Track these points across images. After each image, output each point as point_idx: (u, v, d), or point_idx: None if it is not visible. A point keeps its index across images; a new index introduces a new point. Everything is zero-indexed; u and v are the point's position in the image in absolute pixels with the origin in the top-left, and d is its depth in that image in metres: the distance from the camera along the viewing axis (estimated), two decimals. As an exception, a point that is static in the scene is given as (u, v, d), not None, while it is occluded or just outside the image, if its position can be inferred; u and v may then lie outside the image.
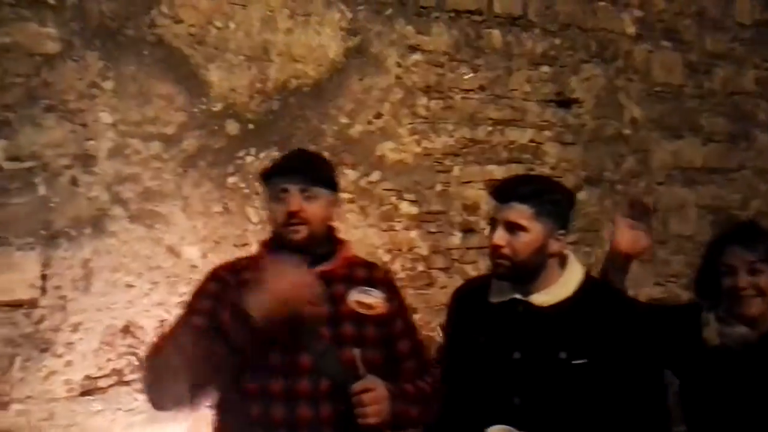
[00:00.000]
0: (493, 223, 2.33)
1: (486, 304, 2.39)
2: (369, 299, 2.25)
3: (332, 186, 2.32)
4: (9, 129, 2.92)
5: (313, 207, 2.23)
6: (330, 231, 2.35)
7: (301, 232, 2.21)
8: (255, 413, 2.11)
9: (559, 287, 2.33)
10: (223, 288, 2.24)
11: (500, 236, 2.28)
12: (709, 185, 5.24)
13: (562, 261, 2.37)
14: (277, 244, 2.30)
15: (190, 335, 2.09)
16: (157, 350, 2.15)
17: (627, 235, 2.56)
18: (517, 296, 2.33)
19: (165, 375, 2.07)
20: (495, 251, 2.30)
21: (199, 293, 2.29)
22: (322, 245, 2.29)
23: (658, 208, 4.95)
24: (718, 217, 5.22)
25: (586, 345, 2.22)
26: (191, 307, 2.26)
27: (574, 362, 2.21)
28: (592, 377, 2.21)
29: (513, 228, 2.27)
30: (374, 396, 2.09)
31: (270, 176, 2.30)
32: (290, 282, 2.03)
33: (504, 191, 2.34)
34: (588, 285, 2.36)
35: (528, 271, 2.31)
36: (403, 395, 2.19)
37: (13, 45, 2.94)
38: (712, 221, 5.19)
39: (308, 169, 2.30)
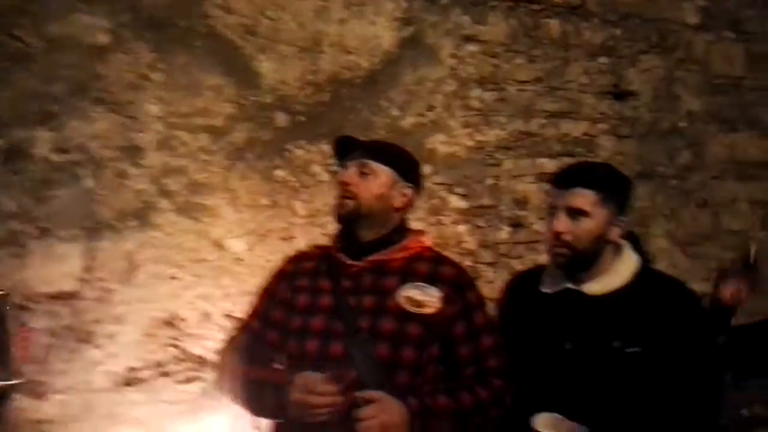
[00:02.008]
0: (554, 210, 2.16)
1: (538, 295, 2.25)
2: (420, 296, 2.05)
3: (402, 171, 2.16)
4: (56, 121, 2.74)
5: (367, 183, 2.11)
6: (398, 220, 2.18)
7: (347, 206, 2.09)
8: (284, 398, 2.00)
9: (612, 276, 2.17)
10: (280, 281, 2.20)
11: (563, 222, 2.12)
12: (763, 180, 4.85)
13: (617, 250, 2.22)
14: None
15: (246, 342, 2.18)
16: (224, 352, 2.21)
17: (730, 291, 2.50)
18: (570, 286, 2.19)
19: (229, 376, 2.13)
20: (556, 238, 2.14)
21: (262, 289, 2.25)
22: (377, 229, 2.13)
23: (710, 203, 4.62)
24: (771, 213, 4.84)
25: (640, 334, 2.08)
26: (253, 306, 2.25)
27: (627, 351, 2.07)
28: (645, 366, 2.07)
29: (576, 214, 2.12)
30: (377, 423, 1.88)
31: (342, 157, 2.21)
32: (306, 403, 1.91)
33: (567, 177, 2.18)
34: (643, 274, 2.20)
35: (587, 258, 2.16)
36: (429, 411, 1.96)
37: (63, 36, 2.75)
38: (763, 217, 4.81)
39: (369, 146, 2.20)
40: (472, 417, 2.02)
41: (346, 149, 2.19)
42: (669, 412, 2.06)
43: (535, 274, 2.34)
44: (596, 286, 2.16)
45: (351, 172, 2.12)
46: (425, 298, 2.05)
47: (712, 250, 4.60)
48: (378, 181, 2.11)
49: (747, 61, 4.76)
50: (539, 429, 1.97)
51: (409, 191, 2.16)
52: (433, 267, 2.13)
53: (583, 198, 2.12)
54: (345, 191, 2.11)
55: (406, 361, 2.00)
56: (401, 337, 2.01)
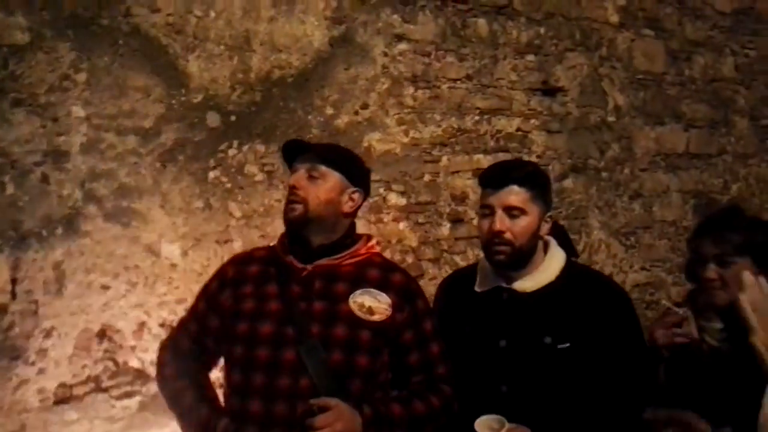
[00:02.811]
0: (488, 209, 2.14)
1: (472, 294, 2.23)
2: (372, 303, 2.00)
3: (351, 176, 2.10)
4: None
5: (315, 187, 2.04)
6: (347, 225, 2.12)
7: (296, 210, 2.02)
8: (235, 406, 1.95)
9: (542, 273, 2.17)
10: (221, 287, 2.09)
11: (501, 221, 2.10)
12: (690, 170, 4.98)
13: (545, 246, 2.23)
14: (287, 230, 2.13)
15: (186, 345, 2.12)
16: (164, 352, 2.15)
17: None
18: (502, 284, 2.17)
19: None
20: (496, 236, 2.11)
21: (202, 291, 2.17)
22: (327, 233, 2.06)
23: (642, 194, 4.69)
24: (700, 201, 4.96)
25: (569, 329, 2.09)
26: (193, 308, 2.18)
27: (559, 347, 2.07)
28: (576, 361, 2.07)
29: (513, 212, 2.11)
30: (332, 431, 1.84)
31: (291, 160, 2.13)
32: None
33: (500, 176, 2.16)
34: (570, 270, 2.21)
35: (525, 255, 2.15)
36: (383, 419, 1.93)
37: None
38: (695, 206, 4.93)
39: (319, 149, 2.14)
40: (425, 424, 2.00)
41: (295, 152, 2.12)
42: (601, 405, 2.05)
43: (468, 273, 2.32)
44: (528, 283, 2.15)
45: (299, 176, 2.06)
46: (376, 305, 2.00)
47: (646, 240, 4.69)
48: (327, 186, 2.05)
49: (667, 58, 4.87)
50: (479, 431, 1.93)
51: (357, 196, 2.11)
52: (383, 274, 2.08)
53: (518, 196, 2.11)
54: (293, 195, 2.04)
55: (359, 368, 1.95)
56: (354, 343, 1.96)
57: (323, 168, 2.05)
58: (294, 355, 1.91)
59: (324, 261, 2.04)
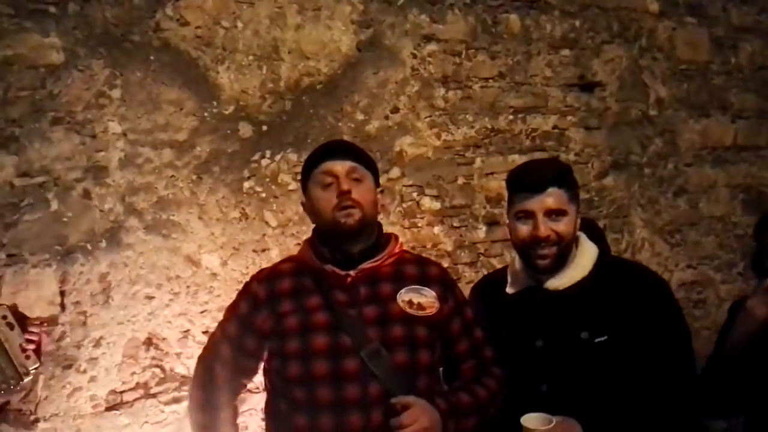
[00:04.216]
0: (527, 214, 2.26)
1: (504, 297, 2.38)
2: (420, 299, 2.17)
3: (376, 176, 2.27)
4: (17, 144, 2.86)
5: (361, 189, 2.16)
6: (377, 225, 2.27)
7: (355, 215, 2.13)
8: (302, 423, 2.06)
9: (574, 269, 2.30)
10: (253, 307, 2.22)
11: (545, 226, 2.23)
12: (739, 164, 5.10)
13: (576, 242, 2.35)
14: (322, 238, 2.21)
15: (219, 370, 2.26)
16: (196, 376, 2.32)
17: None
18: (533, 284, 2.32)
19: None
20: (543, 241, 2.24)
21: (232, 313, 2.29)
22: (368, 236, 2.21)
23: (687, 190, 4.86)
24: (750, 195, 5.10)
25: (606, 322, 2.20)
26: (223, 329, 2.29)
27: (596, 341, 2.19)
28: (615, 353, 2.18)
29: (555, 214, 2.24)
30: (421, 427, 1.99)
31: (312, 166, 2.22)
32: None
33: (537, 179, 2.27)
34: (603, 263, 2.34)
35: (568, 254, 2.29)
36: (457, 410, 2.10)
37: (16, 57, 2.86)
38: (744, 200, 5.08)
39: (353, 149, 2.27)
40: (488, 408, 2.19)
41: (314, 166, 2.22)
42: (645, 396, 2.16)
43: (498, 276, 2.48)
44: (560, 281, 2.29)
45: (347, 180, 2.15)
46: (424, 300, 2.17)
47: (693, 237, 4.84)
48: (368, 187, 2.20)
49: (711, 46, 5.01)
50: (527, 426, 2.04)
51: (380, 196, 2.28)
52: (420, 268, 2.25)
53: (559, 198, 2.25)
54: (347, 200, 2.13)
55: (423, 365, 2.12)
56: (413, 341, 2.11)
57: (362, 169, 2.19)
58: (357, 363, 2.04)
59: (367, 264, 2.18)
